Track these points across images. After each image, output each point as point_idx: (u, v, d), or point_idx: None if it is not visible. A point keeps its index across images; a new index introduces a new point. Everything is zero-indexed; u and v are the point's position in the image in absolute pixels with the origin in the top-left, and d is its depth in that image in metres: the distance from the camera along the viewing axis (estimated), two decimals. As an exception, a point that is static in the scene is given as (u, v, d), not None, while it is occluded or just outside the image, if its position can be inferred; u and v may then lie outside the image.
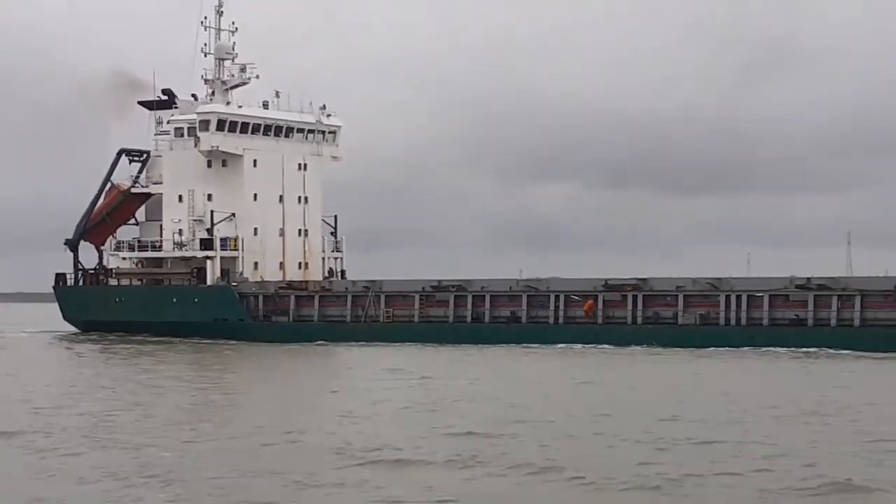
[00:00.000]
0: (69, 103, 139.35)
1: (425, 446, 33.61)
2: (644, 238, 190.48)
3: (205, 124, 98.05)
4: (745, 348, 75.79)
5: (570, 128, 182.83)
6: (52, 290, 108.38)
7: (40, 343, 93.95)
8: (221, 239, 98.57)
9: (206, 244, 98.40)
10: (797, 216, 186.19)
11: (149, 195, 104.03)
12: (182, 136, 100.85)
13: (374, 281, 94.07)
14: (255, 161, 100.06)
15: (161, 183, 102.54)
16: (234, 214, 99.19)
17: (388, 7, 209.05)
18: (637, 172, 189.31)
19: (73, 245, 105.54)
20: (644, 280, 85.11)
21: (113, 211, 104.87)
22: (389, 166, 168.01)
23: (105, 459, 32.32)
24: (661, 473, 29.09)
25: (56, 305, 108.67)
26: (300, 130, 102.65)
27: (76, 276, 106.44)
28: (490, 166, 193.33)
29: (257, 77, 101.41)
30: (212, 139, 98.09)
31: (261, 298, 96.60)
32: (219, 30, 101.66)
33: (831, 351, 73.26)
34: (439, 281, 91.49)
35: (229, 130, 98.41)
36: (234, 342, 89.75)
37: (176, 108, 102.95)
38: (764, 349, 75.14)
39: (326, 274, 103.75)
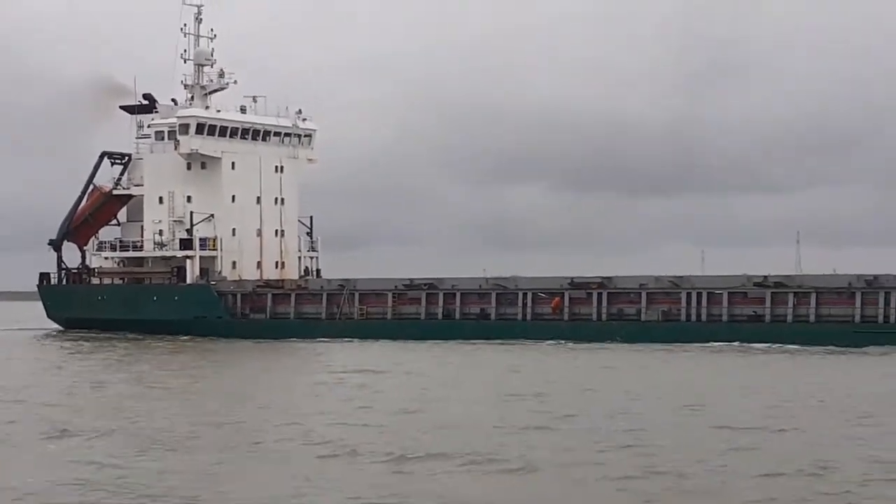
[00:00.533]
0: (53, 108, 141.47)
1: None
2: (606, 238, 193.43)
3: (184, 128, 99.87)
4: (708, 343, 77.61)
5: (536, 130, 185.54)
6: (36, 289, 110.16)
7: (19, 340, 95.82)
8: (201, 239, 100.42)
9: (186, 244, 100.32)
10: (747, 216, 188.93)
11: (130, 197, 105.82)
12: (162, 139, 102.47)
13: (348, 279, 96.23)
14: (233, 164, 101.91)
15: (142, 185, 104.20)
16: (212, 215, 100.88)
17: (363, 8, 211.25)
18: (598, 175, 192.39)
19: (56, 245, 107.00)
20: (608, 278, 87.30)
21: (95, 212, 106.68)
22: (363, 168, 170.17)
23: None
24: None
25: (40, 304, 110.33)
26: (276, 134, 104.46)
27: (60, 276, 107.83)
28: (460, 168, 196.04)
29: (235, 82, 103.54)
30: (191, 142, 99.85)
31: (239, 297, 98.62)
32: (198, 36, 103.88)
33: (790, 347, 74.84)
34: (411, 279, 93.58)
35: (208, 134, 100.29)
36: (213, 338, 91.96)
37: (156, 112, 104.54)
38: (722, 344, 77.48)
39: (302, 273, 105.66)
